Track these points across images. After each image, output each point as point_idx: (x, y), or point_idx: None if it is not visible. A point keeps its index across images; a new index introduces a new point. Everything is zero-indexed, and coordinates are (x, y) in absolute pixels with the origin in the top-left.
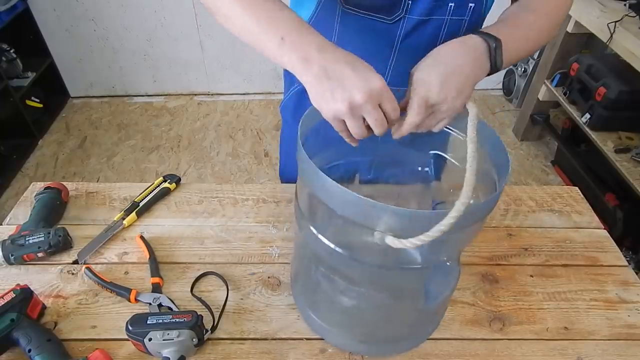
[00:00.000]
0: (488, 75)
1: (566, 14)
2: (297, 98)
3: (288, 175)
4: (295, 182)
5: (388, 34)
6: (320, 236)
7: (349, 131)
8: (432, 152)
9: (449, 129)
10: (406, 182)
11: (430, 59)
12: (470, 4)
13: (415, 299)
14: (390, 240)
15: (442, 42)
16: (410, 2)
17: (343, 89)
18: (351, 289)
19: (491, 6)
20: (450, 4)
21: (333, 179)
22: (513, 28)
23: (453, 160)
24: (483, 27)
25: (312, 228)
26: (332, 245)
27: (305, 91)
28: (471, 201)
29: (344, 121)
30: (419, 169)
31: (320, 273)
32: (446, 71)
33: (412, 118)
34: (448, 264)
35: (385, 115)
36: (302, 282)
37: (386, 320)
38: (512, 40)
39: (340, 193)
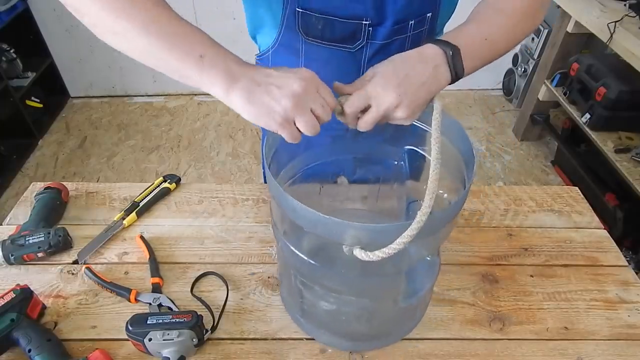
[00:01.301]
0: (452, 82)
1: (542, 14)
2: None
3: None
4: None
5: (353, 60)
6: (294, 249)
7: (296, 135)
8: (406, 147)
9: (420, 124)
10: (386, 178)
11: (387, 68)
12: (428, 14)
13: (395, 298)
14: (358, 253)
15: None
16: (370, 29)
17: (279, 87)
18: (330, 294)
19: (454, 7)
20: (410, 22)
21: (313, 181)
22: (478, 31)
23: (427, 155)
24: (448, 30)
25: (286, 242)
26: (305, 258)
27: None
28: (430, 212)
29: (292, 122)
30: (395, 163)
31: (299, 281)
32: (402, 83)
33: (365, 125)
34: (428, 258)
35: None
36: (287, 288)
37: (368, 320)
38: (475, 45)
39: (306, 213)
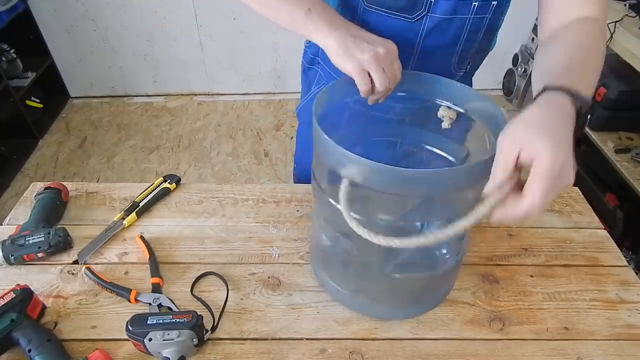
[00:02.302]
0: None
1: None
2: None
3: (305, 177)
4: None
5: (410, 32)
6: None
7: (367, 84)
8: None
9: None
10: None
11: (531, 127)
12: (493, 2)
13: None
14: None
15: (464, 41)
16: (433, 0)
17: (368, 43)
18: (362, 257)
19: (509, 4)
20: (474, 3)
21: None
22: (584, 77)
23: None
24: (550, 75)
25: (331, 201)
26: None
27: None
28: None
29: (366, 72)
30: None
31: (340, 247)
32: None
33: (539, 198)
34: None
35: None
36: (320, 255)
37: (403, 284)
38: (587, 89)
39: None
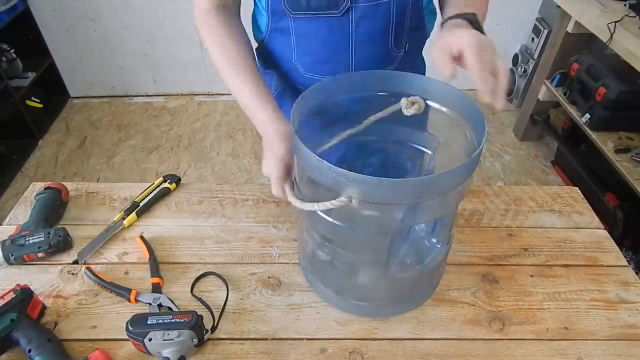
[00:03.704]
0: None
1: None
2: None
3: None
4: None
5: (340, 26)
6: (321, 213)
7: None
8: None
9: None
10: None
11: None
12: None
13: (407, 262)
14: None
15: (394, 22)
16: None
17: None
18: (350, 255)
19: None
20: None
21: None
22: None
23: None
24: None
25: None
26: (330, 219)
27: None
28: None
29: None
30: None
31: (324, 250)
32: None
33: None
34: (434, 240)
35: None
36: (307, 258)
37: (387, 283)
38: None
39: (315, 162)
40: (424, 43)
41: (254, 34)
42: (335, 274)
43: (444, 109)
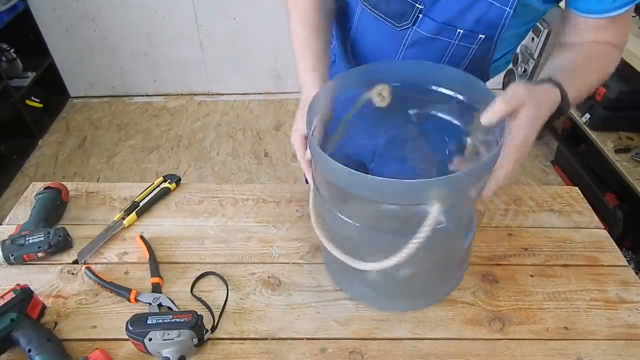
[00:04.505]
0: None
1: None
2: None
3: None
4: None
5: (395, 38)
6: (343, 217)
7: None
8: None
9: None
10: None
11: (517, 141)
12: (481, 36)
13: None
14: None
15: (448, 63)
16: (420, 15)
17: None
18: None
19: (502, 41)
20: (458, 30)
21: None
22: (580, 81)
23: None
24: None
25: (336, 212)
26: (350, 222)
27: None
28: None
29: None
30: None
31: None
32: (522, 155)
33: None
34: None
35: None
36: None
37: (413, 276)
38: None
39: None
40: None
41: None
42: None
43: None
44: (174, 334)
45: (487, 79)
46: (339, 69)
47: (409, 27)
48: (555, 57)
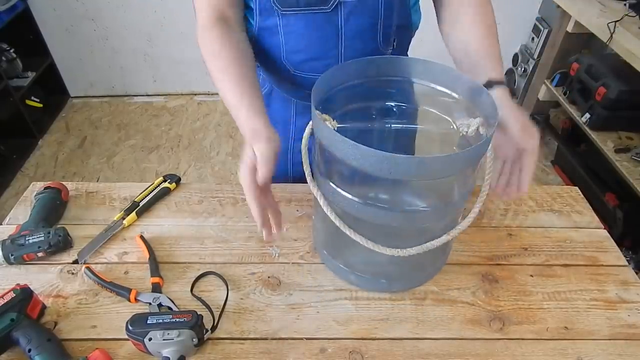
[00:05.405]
0: None
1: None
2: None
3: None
4: None
5: (330, 22)
6: (339, 190)
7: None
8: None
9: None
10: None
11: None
12: None
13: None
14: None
15: (383, 18)
16: None
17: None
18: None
19: None
20: None
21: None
22: (496, 51)
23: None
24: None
25: (331, 184)
26: (349, 196)
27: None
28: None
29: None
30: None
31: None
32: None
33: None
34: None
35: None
36: (324, 236)
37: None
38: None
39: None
40: (410, 40)
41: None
42: (356, 249)
43: (454, 94)
44: (174, 333)
45: (413, 30)
46: (277, 94)
47: (338, 3)
48: (457, 36)
